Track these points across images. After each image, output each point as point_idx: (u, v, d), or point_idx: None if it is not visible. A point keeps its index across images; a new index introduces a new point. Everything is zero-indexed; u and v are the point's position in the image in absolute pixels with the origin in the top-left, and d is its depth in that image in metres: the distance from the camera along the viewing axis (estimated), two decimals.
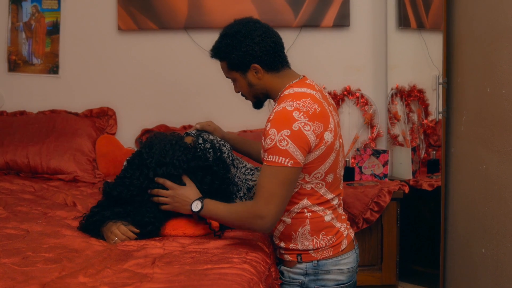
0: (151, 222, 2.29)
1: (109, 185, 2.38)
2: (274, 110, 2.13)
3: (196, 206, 2.22)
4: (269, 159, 2.07)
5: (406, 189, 3.50)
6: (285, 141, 2.04)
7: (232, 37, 2.22)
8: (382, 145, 3.89)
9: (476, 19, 2.52)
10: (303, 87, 2.21)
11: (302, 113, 2.08)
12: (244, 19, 2.29)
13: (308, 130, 2.06)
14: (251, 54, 2.21)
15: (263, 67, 2.23)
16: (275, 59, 2.24)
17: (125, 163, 2.47)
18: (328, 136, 2.13)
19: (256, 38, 2.21)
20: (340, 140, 2.26)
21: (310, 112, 2.09)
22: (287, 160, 2.05)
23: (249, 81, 2.27)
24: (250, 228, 2.21)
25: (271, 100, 2.35)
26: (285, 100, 2.15)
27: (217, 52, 2.29)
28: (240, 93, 2.36)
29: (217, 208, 2.22)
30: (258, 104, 2.37)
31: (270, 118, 2.12)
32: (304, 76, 2.29)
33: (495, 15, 2.28)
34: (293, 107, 2.09)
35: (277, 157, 2.05)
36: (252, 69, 2.23)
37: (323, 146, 2.12)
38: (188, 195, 2.27)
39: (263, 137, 2.13)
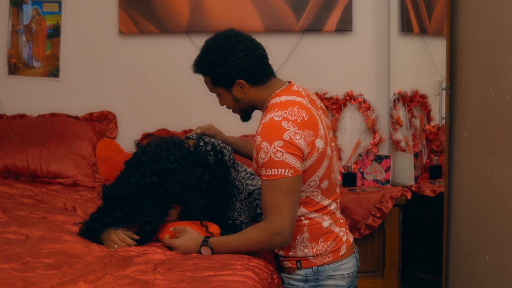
0: (148, 221, 2.26)
1: (106, 187, 2.38)
2: (262, 122, 2.11)
3: (207, 252, 2.16)
4: (268, 173, 2.04)
5: (409, 195, 3.49)
6: (279, 152, 2.01)
7: (215, 53, 2.17)
8: (384, 150, 3.88)
9: (480, 24, 2.51)
10: (289, 94, 2.17)
11: (290, 122, 2.05)
12: (226, 32, 2.24)
13: (299, 139, 2.04)
14: (235, 70, 2.16)
15: (248, 81, 2.19)
16: (260, 72, 2.20)
17: None
18: (319, 143, 2.10)
19: (240, 53, 2.16)
20: (333, 144, 2.24)
21: (298, 121, 2.06)
22: (287, 170, 2.02)
23: (234, 96, 2.22)
24: (269, 247, 2.20)
25: None
26: (272, 110, 2.11)
27: (199, 68, 2.24)
28: (225, 106, 2.31)
29: (226, 243, 2.17)
30: (245, 117, 2.34)
31: (258, 131, 2.09)
32: (290, 83, 2.25)
33: (500, 20, 2.27)
34: (280, 117, 2.06)
35: (275, 169, 2.03)
36: (237, 85, 2.19)
37: (316, 154, 2.09)
38: (188, 247, 2.18)
39: (254, 151, 2.09)
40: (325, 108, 2.35)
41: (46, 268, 2.00)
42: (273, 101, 2.17)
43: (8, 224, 2.59)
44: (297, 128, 2.05)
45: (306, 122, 2.08)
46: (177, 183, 2.28)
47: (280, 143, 2.02)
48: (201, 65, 2.23)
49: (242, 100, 2.23)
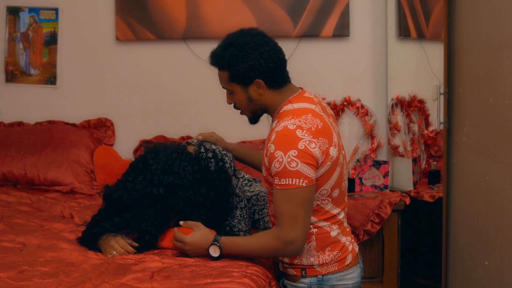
0: (148, 231, 2.25)
1: (109, 188, 2.35)
2: (275, 130, 2.07)
3: (215, 252, 2.15)
4: (282, 183, 2.02)
5: (407, 201, 3.47)
6: (294, 162, 1.99)
7: (239, 48, 2.13)
8: (382, 156, 3.87)
9: (477, 29, 2.50)
10: (302, 101, 2.15)
11: (305, 130, 2.02)
12: (252, 30, 2.21)
13: (314, 148, 2.01)
14: (257, 68, 2.13)
15: (266, 83, 2.16)
16: (279, 76, 2.17)
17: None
18: (333, 151, 2.08)
19: (265, 53, 2.13)
20: (343, 152, 2.22)
21: (313, 129, 2.04)
22: (301, 180, 2.00)
23: (249, 96, 2.19)
24: (281, 255, 2.19)
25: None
26: (285, 117, 2.08)
27: (219, 60, 2.18)
28: (233, 105, 2.27)
29: (237, 244, 2.16)
30: (254, 119, 2.30)
31: (272, 139, 2.06)
32: (302, 89, 2.23)
33: (497, 24, 2.27)
34: (295, 125, 2.03)
35: (290, 179, 2.01)
36: (255, 84, 2.16)
37: (329, 162, 2.07)
38: (198, 244, 2.18)
39: (267, 159, 2.07)
40: (334, 115, 2.33)
41: (42, 277, 1.99)
42: (285, 107, 2.15)
43: (5, 232, 2.58)
44: (311, 136, 2.02)
45: (320, 130, 2.06)
46: (183, 199, 2.26)
47: (295, 153, 1.99)
48: (222, 58, 2.17)
49: (256, 101, 2.20)
